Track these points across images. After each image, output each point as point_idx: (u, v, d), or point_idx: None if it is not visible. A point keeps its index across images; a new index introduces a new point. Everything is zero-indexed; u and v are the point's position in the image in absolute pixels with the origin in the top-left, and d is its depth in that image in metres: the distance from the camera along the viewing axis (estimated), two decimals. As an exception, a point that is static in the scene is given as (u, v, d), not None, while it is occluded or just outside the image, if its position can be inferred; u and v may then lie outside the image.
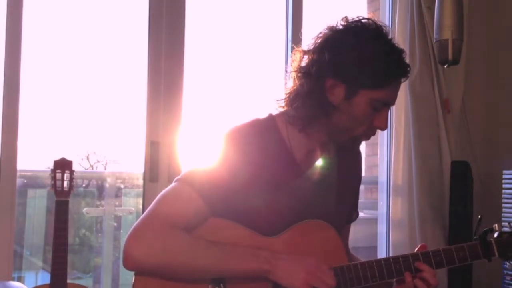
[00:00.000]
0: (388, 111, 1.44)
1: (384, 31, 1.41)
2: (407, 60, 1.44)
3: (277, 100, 1.50)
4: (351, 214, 1.66)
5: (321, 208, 1.48)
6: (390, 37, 1.42)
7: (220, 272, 1.35)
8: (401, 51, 1.41)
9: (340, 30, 1.42)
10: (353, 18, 1.43)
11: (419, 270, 1.43)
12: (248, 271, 1.34)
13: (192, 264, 1.33)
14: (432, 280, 1.42)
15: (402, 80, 1.43)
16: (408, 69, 1.42)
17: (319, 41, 1.43)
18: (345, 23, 1.42)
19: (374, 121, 1.42)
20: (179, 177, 1.41)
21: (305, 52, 1.45)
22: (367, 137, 1.47)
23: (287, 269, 1.34)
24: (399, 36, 2.80)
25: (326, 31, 1.43)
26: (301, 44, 1.50)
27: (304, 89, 1.42)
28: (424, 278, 1.42)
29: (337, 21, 1.43)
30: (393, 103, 1.45)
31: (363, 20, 1.42)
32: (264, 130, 1.46)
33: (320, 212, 1.46)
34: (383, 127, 1.43)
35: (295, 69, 1.46)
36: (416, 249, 1.49)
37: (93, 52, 3.05)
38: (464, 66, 2.79)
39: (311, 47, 1.44)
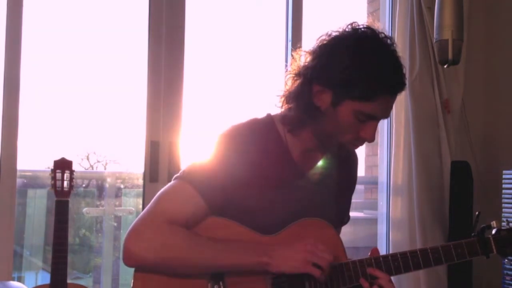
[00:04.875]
0: (376, 124, 1.41)
1: (384, 43, 1.38)
2: (406, 73, 1.41)
3: (275, 98, 1.51)
4: (343, 216, 1.66)
5: (318, 207, 1.48)
6: (391, 49, 1.38)
7: (220, 266, 1.36)
8: (397, 67, 1.37)
9: (337, 37, 1.40)
10: (357, 26, 1.39)
11: (375, 277, 1.42)
12: (248, 265, 1.35)
13: (192, 259, 1.33)
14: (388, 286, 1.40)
15: (393, 96, 1.39)
16: (402, 85, 1.39)
17: (317, 44, 1.43)
18: (348, 30, 1.40)
19: (361, 131, 1.40)
20: (178, 175, 1.41)
21: (306, 54, 1.46)
22: (354, 146, 1.47)
23: (284, 255, 1.35)
24: (399, 36, 2.80)
25: (326, 35, 1.42)
26: (300, 44, 1.50)
27: (295, 90, 1.43)
28: (380, 285, 1.41)
29: (345, 25, 1.40)
30: (382, 117, 1.41)
31: (365, 30, 1.39)
32: (262, 129, 1.47)
33: (317, 211, 1.47)
34: (369, 139, 1.41)
35: (291, 69, 1.47)
36: (369, 254, 1.48)
37: (93, 52, 3.05)
38: (464, 66, 2.78)
39: (310, 49, 1.44)
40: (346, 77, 1.34)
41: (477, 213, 1.58)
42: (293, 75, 1.46)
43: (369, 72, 1.34)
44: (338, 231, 1.65)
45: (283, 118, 1.48)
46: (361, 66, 1.34)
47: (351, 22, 1.41)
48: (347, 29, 1.40)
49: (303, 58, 1.46)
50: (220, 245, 1.35)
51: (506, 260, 2.33)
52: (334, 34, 1.41)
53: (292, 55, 1.50)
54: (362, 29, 1.39)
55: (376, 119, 1.39)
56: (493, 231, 1.51)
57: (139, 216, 1.36)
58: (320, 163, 1.53)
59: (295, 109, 1.44)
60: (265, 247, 1.37)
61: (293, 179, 1.47)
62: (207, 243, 1.35)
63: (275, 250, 1.36)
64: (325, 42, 1.41)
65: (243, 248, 1.36)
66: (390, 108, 1.41)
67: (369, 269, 1.42)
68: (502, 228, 1.51)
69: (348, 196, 1.66)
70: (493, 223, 1.52)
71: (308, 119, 1.42)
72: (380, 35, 1.39)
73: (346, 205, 1.65)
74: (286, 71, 1.51)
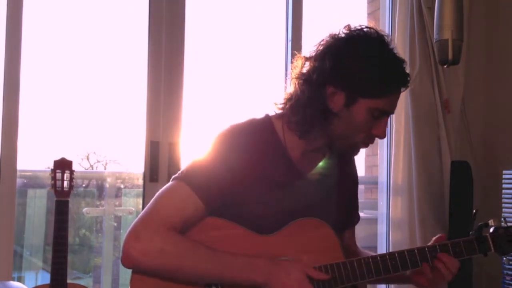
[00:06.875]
0: (387, 120, 1.45)
1: (386, 40, 1.42)
2: (408, 68, 1.45)
3: (276, 104, 1.51)
4: (351, 216, 1.65)
5: (316, 207, 1.48)
6: (391, 46, 1.43)
7: (216, 279, 1.36)
8: (402, 61, 1.43)
9: (342, 38, 1.42)
10: (355, 27, 1.43)
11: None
12: (244, 281, 1.36)
13: (189, 269, 1.34)
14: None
15: (402, 89, 1.44)
16: (408, 79, 1.43)
17: (321, 48, 1.44)
18: (348, 31, 1.43)
19: (373, 129, 1.43)
20: (176, 175, 1.41)
21: (306, 59, 1.46)
22: (365, 145, 1.48)
23: (281, 282, 1.35)
24: (399, 36, 2.80)
25: (328, 39, 1.44)
26: (301, 48, 1.50)
27: (305, 95, 1.43)
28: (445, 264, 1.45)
29: (339, 29, 1.44)
30: (392, 112, 1.46)
31: (365, 29, 1.43)
32: (260, 130, 1.47)
33: (315, 211, 1.47)
34: (382, 136, 1.44)
35: (296, 75, 1.47)
36: (434, 239, 1.52)
37: (93, 52, 3.05)
38: (464, 66, 2.78)
39: (313, 54, 1.45)
40: (361, 76, 1.38)
41: (474, 211, 1.58)
42: (300, 80, 1.45)
43: (383, 69, 1.38)
44: (351, 233, 1.67)
45: (289, 124, 1.47)
46: (374, 64, 1.38)
47: (347, 24, 1.44)
48: (348, 30, 1.43)
49: (307, 62, 1.45)
50: (218, 258, 1.35)
51: (504, 259, 2.33)
52: (337, 35, 1.43)
53: (293, 60, 1.50)
54: (365, 29, 1.42)
55: (388, 114, 1.44)
56: (491, 229, 1.52)
57: (137, 217, 1.36)
58: (319, 163, 1.53)
59: (305, 114, 1.43)
60: (264, 265, 1.36)
61: (291, 179, 1.47)
62: (205, 255, 1.34)
63: (273, 273, 1.35)
64: (330, 43, 1.43)
65: (241, 264, 1.35)
66: (397, 100, 1.46)
67: (440, 254, 1.45)
68: (500, 226, 1.52)
69: (350, 195, 1.66)
70: (491, 221, 1.53)
71: (320, 123, 1.42)
72: (380, 33, 1.43)
73: (352, 205, 1.65)
74: (287, 73, 1.51)
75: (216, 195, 1.38)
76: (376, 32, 1.42)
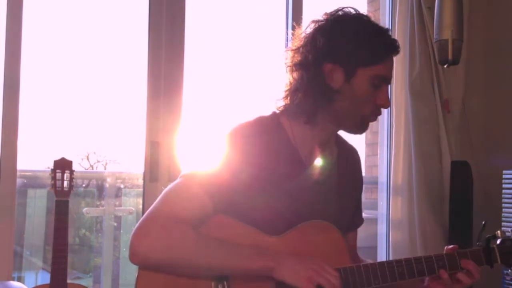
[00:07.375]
0: (388, 88, 1.47)
1: (365, 14, 1.47)
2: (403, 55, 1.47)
3: (277, 100, 1.51)
4: (354, 219, 1.65)
5: (324, 209, 1.48)
6: (372, 19, 1.47)
7: (225, 270, 1.35)
8: (387, 29, 1.47)
9: (327, 19, 1.45)
10: (332, 10, 1.47)
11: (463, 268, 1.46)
12: (254, 269, 1.34)
13: (198, 261, 1.33)
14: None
15: (394, 53, 1.47)
16: (397, 43, 1.47)
17: (308, 34, 1.46)
18: (328, 16, 1.46)
19: (377, 99, 1.45)
20: (184, 173, 1.41)
21: (295, 50, 1.47)
22: (374, 117, 1.49)
23: (292, 267, 1.34)
24: (399, 36, 2.80)
25: (312, 24, 1.47)
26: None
27: (304, 80, 1.44)
28: (469, 271, 1.46)
29: (319, 16, 1.47)
30: (390, 77, 1.48)
31: (344, 9, 1.46)
32: (268, 129, 1.46)
33: (323, 213, 1.46)
34: (386, 104, 1.46)
35: (291, 64, 1.47)
36: (445, 248, 1.51)
37: (93, 52, 3.06)
38: (464, 66, 2.78)
39: (301, 43, 1.47)
40: (355, 46, 1.41)
41: (483, 222, 1.57)
42: (296, 67, 1.46)
43: (373, 36, 1.42)
44: (353, 237, 1.66)
45: (294, 114, 1.47)
46: (364, 32, 1.42)
47: (324, 12, 1.48)
48: (327, 15, 1.46)
49: (296, 53, 1.47)
50: (227, 248, 1.34)
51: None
52: (319, 20, 1.46)
53: (285, 54, 1.51)
54: (344, 9, 1.47)
55: (387, 81, 1.46)
56: (498, 241, 1.52)
57: (145, 215, 1.35)
58: (326, 163, 1.52)
59: (307, 98, 1.43)
60: (273, 253, 1.36)
61: (300, 179, 1.47)
62: (214, 246, 1.34)
63: (284, 258, 1.35)
64: (316, 27, 1.45)
65: (251, 253, 1.35)
66: (393, 67, 1.49)
67: (463, 260, 1.46)
68: (507, 238, 1.51)
69: (355, 198, 1.65)
70: (498, 233, 1.52)
71: (324, 103, 1.43)
72: (358, 10, 1.47)
73: (354, 208, 1.65)
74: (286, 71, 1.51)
75: (224, 194, 1.37)
76: (354, 9, 1.47)
